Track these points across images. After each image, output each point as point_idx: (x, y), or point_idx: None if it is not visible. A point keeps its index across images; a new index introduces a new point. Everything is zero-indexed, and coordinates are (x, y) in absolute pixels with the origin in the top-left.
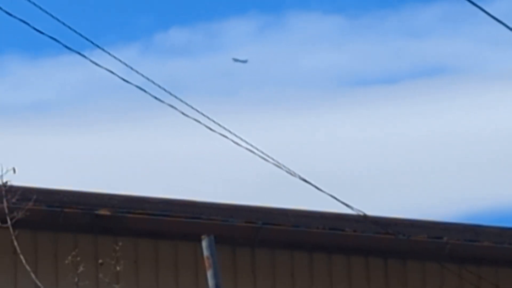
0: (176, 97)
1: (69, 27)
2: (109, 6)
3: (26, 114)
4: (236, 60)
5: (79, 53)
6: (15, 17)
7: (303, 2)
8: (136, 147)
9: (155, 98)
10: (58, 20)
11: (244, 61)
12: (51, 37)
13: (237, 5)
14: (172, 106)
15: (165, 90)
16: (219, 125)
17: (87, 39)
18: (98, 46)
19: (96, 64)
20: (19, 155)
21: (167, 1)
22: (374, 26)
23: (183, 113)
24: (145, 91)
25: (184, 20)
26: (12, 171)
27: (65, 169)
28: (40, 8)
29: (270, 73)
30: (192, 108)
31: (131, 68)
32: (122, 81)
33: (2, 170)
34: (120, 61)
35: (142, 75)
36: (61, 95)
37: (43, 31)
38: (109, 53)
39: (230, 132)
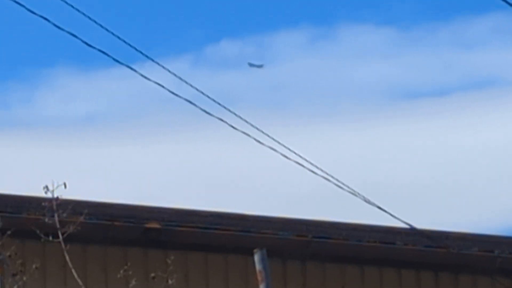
0: (226, 108)
1: (120, 39)
2: (160, 18)
3: (76, 127)
4: (251, 65)
5: (128, 67)
6: (65, 30)
7: (354, 14)
8: (185, 160)
9: (204, 111)
10: (108, 31)
11: (260, 66)
12: (100, 51)
13: (288, 17)
14: (221, 119)
15: (215, 101)
16: (268, 136)
17: (137, 50)
18: (149, 58)
19: (145, 77)
20: (69, 168)
21: (218, 13)
22: (426, 38)
23: (232, 126)
24: (194, 104)
25: (235, 32)
26: (63, 186)
27: (114, 182)
28: (90, 18)
29: (321, 85)
30: (242, 119)
31: (181, 80)
32: (172, 94)
33: (53, 185)
34: (170, 72)
35: (192, 87)
36: (112, 107)
37: (94, 43)
38: (160, 65)
39: (279, 143)
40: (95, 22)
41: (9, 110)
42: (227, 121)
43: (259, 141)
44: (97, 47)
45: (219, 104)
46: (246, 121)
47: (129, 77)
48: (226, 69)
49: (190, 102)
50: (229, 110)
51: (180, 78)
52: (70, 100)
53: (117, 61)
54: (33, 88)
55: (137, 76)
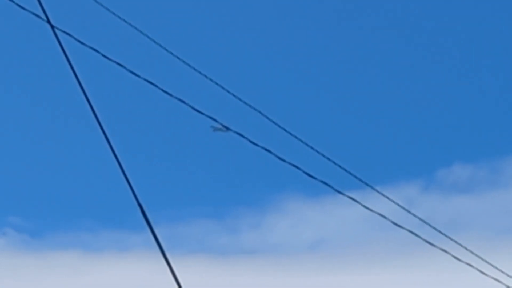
0: (450, 238)
1: (341, 168)
2: (389, 144)
3: (302, 254)
4: (216, 129)
5: (349, 197)
6: (287, 162)
7: None
8: None
9: (427, 242)
10: (329, 160)
11: (224, 130)
12: (322, 181)
13: None
14: (444, 250)
15: (439, 231)
16: (492, 266)
17: (360, 180)
18: (372, 188)
19: (367, 207)
20: None
21: (450, 136)
22: None
23: (455, 257)
24: (416, 235)
25: (468, 155)
26: None
27: None
28: (312, 149)
29: None
30: (466, 249)
31: (404, 209)
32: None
33: None
34: (393, 202)
35: (415, 216)
36: (338, 235)
37: (317, 171)
38: (383, 195)
39: (504, 273)
40: (318, 152)
41: (239, 236)
42: (450, 251)
43: (482, 272)
44: (320, 176)
45: (443, 234)
46: (471, 252)
47: (355, 204)
48: (456, 194)
49: (412, 233)
50: (453, 240)
51: (404, 208)
52: (299, 226)
53: (338, 191)
54: (263, 213)
55: (364, 201)
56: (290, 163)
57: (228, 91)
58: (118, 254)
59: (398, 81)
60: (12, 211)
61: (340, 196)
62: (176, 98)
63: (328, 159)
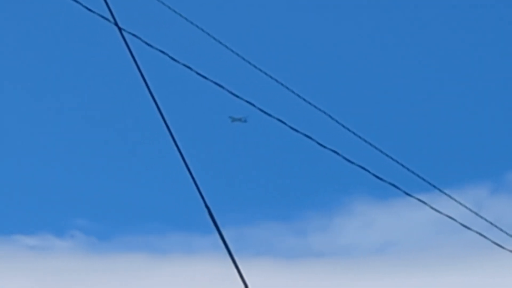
0: None
1: (409, 170)
2: (468, 146)
3: (370, 256)
4: (234, 119)
5: (418, 199)
6: (355, 164)
7: None
8: None
9: (496, 244)
10: (400, 164)
11: (243, 120)
12: (390, 184)
13: None
14: None
15: (509, 235)
16: None
17: (428, 182)
18: (440, 191)
19: (436, 210)
20: None
21: None
22: None
23: None
24: (485, 237)
25: None
26: None
27: None
28: (381, 152)
29: None
30: None
31: (472, 212)
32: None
33: None
34: (461, 204)
35: (483, 218)
36: (406, 237)
37: (385, 173)
38: (451, 197)
39: None
40: (386, 154)
41: (306, 238)
42: None
43: None
44: (389, 178)
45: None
46: None
47: (424, 206)
48: None
49: (481, 235)
50: None
51: (472, 211)
52: (367, 229)
53: (406, 193)
54: (330, 216)
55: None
56: (358, 165)
57: (297, 94)
58: (185, 257)
59: (467, 84)
60: (80, 214)
61: (409, 198)
62: (244, 100)
63: (397, 161)
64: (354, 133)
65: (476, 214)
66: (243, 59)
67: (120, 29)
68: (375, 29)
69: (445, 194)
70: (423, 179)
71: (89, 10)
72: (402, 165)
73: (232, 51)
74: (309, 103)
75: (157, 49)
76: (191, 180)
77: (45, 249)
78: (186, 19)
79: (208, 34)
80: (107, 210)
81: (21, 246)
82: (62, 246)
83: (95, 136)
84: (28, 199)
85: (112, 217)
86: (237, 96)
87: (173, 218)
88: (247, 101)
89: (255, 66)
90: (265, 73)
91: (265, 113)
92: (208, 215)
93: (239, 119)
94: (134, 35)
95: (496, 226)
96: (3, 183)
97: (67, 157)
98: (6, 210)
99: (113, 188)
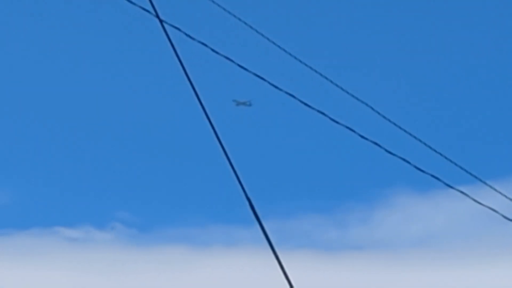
0: None
1: (452, 162)
2: (510, 138)
3: (411, 248)
4: (238, 103)
5: (459, 191)
6: (397, 156)
7: None
8: None
9: None
10: (442, 155)
11: (248, 104)
12: (432, 175)
13: None
14: None
15: None
16: None
17: (470, 174)
18: (482, 182)
19: (477, 201)
20: None
21: None
22: None
23: None
24: None
25: None
26: None
27: None
28: (421, 141)
29: None
30: None
31: None
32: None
33: None
34: (505, 196)
35: None
36: (448, 229)
37: (427, 165)
38: (494, 189)
39: None
40: (427, 145)
41: (347, 230)
42: None
43: None
44: (430, 170)
45: None
46: None
47: (465, 198)
48: None
49: None
50: None
51: None
52: (407, 221)
53: (448, 185)
54: (371, 208)
55: (475, 195)
56: (399, 157)
57: (339, 86)
58: (226, 249)
59: (510, 75)
60: (121, 206)
61: (450, 190)
62: (286, 92)
63: (439, 153)
64: (395, 124)
65: None
66: (285, 51)
67: (161, 21)
68: (422, 19)
69: (487, 185)
70: (465, 171)
71: (131, 2)
72: (444, 157)
73: (274, 43)
74: (352, 95)
75: (198, 41)
76: (232, 172)
77: (86, 241)
78: (226, 11)
79: (251, 27)
80: (148, 202)
81: (62, 238)
82: (103, 238)
83: (136, 128)
84: (69, 192)
85: (153, 209)
86: (277, 88)
87: (214, 210)
88: (287, 93)
89: (295, 57)
90: (305, 64)
91: (307, 105)
92: (249, 207)
93: (244, 103)
94: (175, 27)
95: None
96: (45, 176)
97: (108, 150)
98: (47, 203)
99: (154, 180)
